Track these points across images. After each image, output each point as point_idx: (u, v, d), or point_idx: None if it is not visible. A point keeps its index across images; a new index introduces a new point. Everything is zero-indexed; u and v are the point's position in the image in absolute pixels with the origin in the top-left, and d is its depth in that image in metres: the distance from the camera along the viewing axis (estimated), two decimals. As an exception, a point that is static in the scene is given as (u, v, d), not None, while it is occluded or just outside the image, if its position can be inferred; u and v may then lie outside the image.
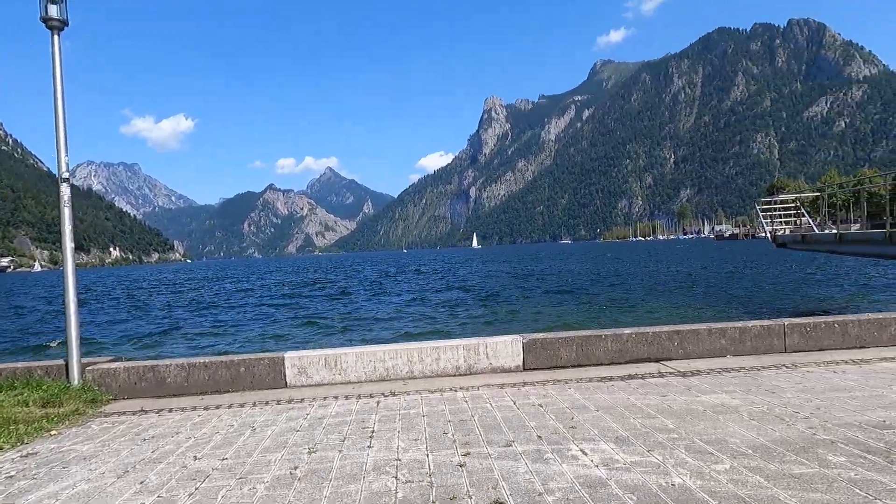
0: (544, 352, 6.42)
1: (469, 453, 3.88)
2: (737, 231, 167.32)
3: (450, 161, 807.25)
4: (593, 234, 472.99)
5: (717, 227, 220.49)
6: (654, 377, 5.82)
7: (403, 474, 3.58)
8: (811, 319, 6.83)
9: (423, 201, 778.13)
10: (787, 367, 5.99)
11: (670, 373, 5.96)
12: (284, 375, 6.19)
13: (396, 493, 3.31)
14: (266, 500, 3.31)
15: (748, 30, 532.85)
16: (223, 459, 4.02)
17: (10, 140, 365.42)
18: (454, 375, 6.28)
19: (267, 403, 5.55)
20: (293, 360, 6.23)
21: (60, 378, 6.16)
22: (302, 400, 5.61)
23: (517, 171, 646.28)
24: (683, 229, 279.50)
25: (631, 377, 5.85)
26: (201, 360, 6.27)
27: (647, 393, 5.21)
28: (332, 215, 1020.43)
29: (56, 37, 6.10)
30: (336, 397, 5.63)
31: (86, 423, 5.21)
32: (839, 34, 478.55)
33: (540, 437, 4.12)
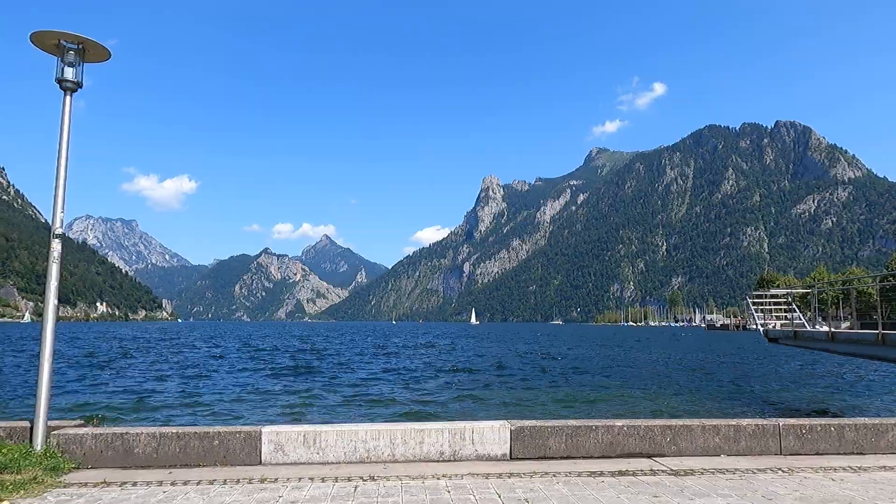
0: (533, 441, 6.18)
1: (448, 552, 3.62)
2: (727, 322, 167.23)
3: (445, 235, 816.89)
4: (585, 317, 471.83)
5: (709, 317, 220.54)
6: (645, 475, 5.58)
7: (377, 573, 3.32)
8: (807, 421, 6.66)
9: (417, 274, 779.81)
10: (783, 470, 5.77)
11: (662, 471, 5.72)
12: (260, 452, 5.90)
13: None
14: None
15: (737, 128, 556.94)
16: (184, 545, 3.74)
17: (12, 190, 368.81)
18: (438, 461, 6.01)
19: (238, 482, 5.25)
20: (270, 435, 5.96)
21: (24, 441, 5.84)
22: (276, 480, 5.31)
23: (511, 250, 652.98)
24: (675, 317, 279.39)
25: (622, 473, 5.61)
26: (173, 431, 5.98)
27: (639, 493, 4.97)
28: (325, 282, 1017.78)
29: (69, 97, 6.25)
30: (312, 479, 5.34)
31: (42, 493, 4.88)
32: (824, 137, 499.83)
33: (525, 537, 3.87)
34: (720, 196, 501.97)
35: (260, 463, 5.88)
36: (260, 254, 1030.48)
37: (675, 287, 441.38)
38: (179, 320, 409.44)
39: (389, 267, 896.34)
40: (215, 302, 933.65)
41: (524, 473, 5.56)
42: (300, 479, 5.34)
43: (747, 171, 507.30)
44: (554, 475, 5.52)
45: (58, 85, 6.21)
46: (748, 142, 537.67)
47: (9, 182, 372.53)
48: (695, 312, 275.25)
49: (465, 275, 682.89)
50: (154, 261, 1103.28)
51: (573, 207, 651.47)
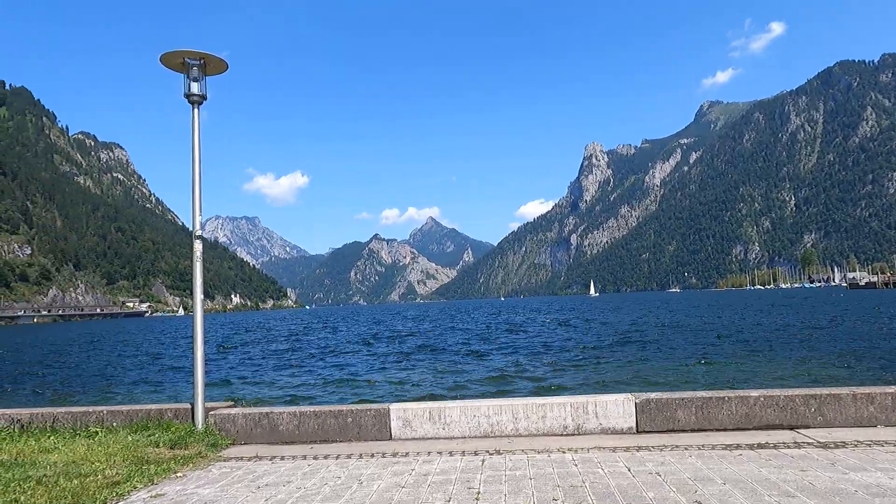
0: (659, 413, 5.99)
1: (582, 525, 3.63)
2: (874, 279, 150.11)
3: (550, 208, 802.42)
4: (705, 283, 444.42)
5: (851, 275, 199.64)
6: (788, 447, 5.22)
7: (512, 543, 3.40)
8: (984, 387, 5.87)
9: (523, 249, 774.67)
10: (956, 442, 5.14)
11: (808, 443, 5.32)
12: (389, 427, 6.22)
13: (505, 564, 3.14)
14: (373, 560, 3.26)
15: (875, 61, 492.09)
16: (331, 513, 4.05)
17: (154, 198, 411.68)
18: (561, 435, 6.00)
19: (373, 456, 5.58)
20: (398, 412, 6.26)
21: (187, 421, 6.60)
22: (406, 454, 5.58)
23: (620, 218, 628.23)
24: (809, 277, 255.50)
25: (761, 446, 5.28)
26: (311, 409, 6.47)
27: (782, 466, 4.66)
28: (433, 263, 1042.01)
29: (196, 110, 6.83)
30: (440, 452, 5.55)
31: (207, 466, 5.50)
32: None
33: (660, 511, 3.79)
34: (857, 140, 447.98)
35: (390, 438, 6.20)
36: (371, 240, 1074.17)
37: (808, 245, 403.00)
38: (307, 307, 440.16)
39: (495, 244, 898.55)
40: (333, 288, 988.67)
41: (653, 447, 5.41)
42: (429, 452, 5.57)
43: (890, 109, 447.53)
44: (685, 448, 5.32)
45: (186, 99, 6.81)
46: (890, 75, 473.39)
47: (150, 191, 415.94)
48: (833, 271, 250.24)
49: (572, 247, 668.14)
50: (276, 253, 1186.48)
51: (685, 168, 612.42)
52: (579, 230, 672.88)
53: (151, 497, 4.61)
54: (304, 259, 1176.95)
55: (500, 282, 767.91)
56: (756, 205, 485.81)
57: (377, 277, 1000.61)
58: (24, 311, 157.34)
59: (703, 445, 5.38)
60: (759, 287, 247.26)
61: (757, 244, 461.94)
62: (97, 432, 6.56)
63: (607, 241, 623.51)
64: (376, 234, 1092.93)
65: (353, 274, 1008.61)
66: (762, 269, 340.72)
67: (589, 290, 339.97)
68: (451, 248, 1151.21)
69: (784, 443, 5.35)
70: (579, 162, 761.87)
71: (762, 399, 5.90)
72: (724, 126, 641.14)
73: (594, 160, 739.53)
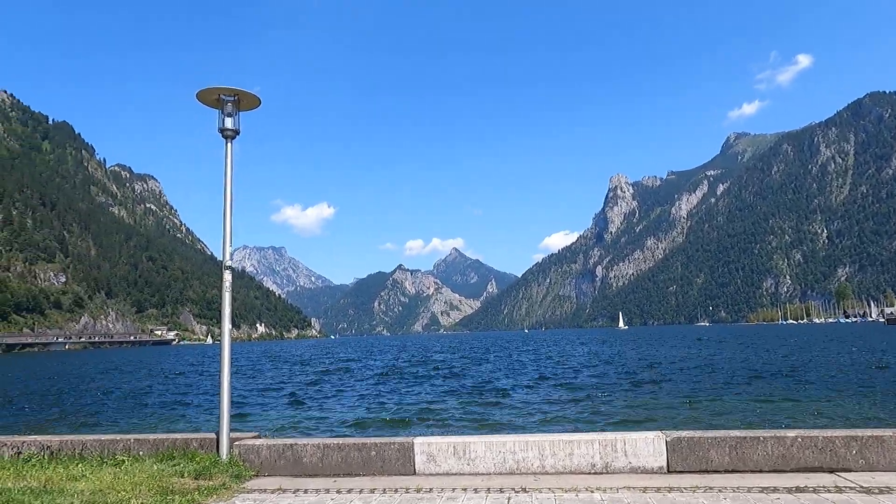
0: (692, 453, 5.80)
1: (612, 569, 3.50)
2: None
3: (574, 240, 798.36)
4: (735, 317, 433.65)
5: (888, 310, 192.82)
6: (829, 492, 4.99)
7: (540, 587, 3.29)
8: None
9: (547, 281, 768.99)
10: None
11: (850, 487, 5.09)
12: (413, 462, 6.14)
13: None
14: None
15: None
16: (355, 550, 3.98)
17: (184, 228, 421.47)
18: (589, 473, 5.84)
19: (396, 491, 5.50)
20: (423, 446, 6.18)
21: (211, 451, 6.60)
22: (430, 490, 5.49)
23: (646, 250, 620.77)
24: (844, 311, 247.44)
25: (799, 490, 5.07)
26: (335, 442, 6.42)
27: (824, 512, 4.45)
28: (456, 294, 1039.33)
29: (229, 144, 7.03)
30: (465, 489, 5.44)
31: (231, 498, 5.47)
32: None
33: (695, 556, 3.63)
34: (891, 171, 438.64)
35: (414, 473, 6.11)
36: (395, 270, 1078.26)
37: (842, 278, 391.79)
38: (332, 337, 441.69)
39: (519, 275, 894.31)
40: (357, 318, 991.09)
41: (685, 488, 5.23)
42: (453, 489, 5.47)
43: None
44: (720, 490, 5.13)
45: (220, 134, 7.02)
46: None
47: (181, 221, 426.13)
48: (869, 305, 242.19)
49: (597, 279, 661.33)
50: (301, 283, 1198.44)
51: (712, 199, 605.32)
52: (605, 262, 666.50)
53: (175, 528, 4.59)
54: (328, 289, 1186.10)
55: (524, 313, 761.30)
56: (787, 237, 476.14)
57: (401, 308, 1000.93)
58: (57, 338, 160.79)
59: (737, 488, 5.18)
60: (791, 322, 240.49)
61: (788, 277, 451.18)
62: (124, 461, 6.60)
63: (633, 274, 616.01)
64: (400, 265, 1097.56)
65: (376, 304, 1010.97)
66: (794, 302, 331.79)
67: (617, 322, 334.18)
68: (475, 280, 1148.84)
69: (824, 486, 5.13)
70: (604, 193, 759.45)
71: (800, 440, 5.69)
72: (751, 157, 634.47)
73: (619, 192, 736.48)
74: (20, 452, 7.06)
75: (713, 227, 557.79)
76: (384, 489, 5.56)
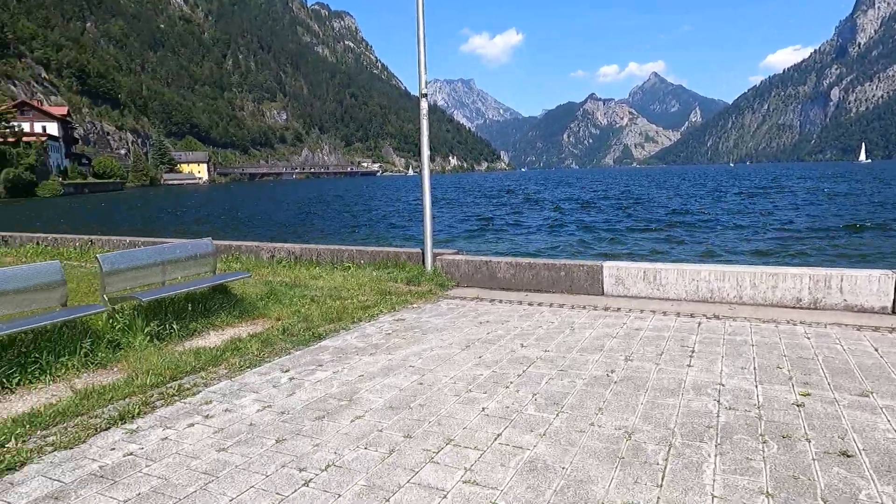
0: (927, 295, 5.11)
1: (809, 394, 3.44)
2: None
3: (806, 57, 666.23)
4: None
5: None
6: None
7: (727, 400, 3.40)
8: None
9: (765, 107, 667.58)
10: None
11: None
12: (602, 283, 6.34)
13: (718, 416, 3.18)
14: (584, 394, 3.55)
15: None
16: (545, 351, 4.42)
17: (380, 65, 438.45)
18: (793, 308, 5.52)
19: (584, 307, 5.81)
20: (611, 269, 6.32)
21: (418, 263, 7.52)
22: (618, 309, 5.70)
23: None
24: None
25: None
26: (527, 261, 6.85)
27: None
28: (653, 125, 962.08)
29: (419, -32, 6.89)
30: (654, 311, 5.55)
31: (437, 301, 6.29)
32: None
33: (911, 394, 3.39)
34: None
35: (602, 293, 6.34)
36: (586, 100, 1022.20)
37: None
38: (523, 169, 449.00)
39: (730, 102, 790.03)
40: (545, 151, 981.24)
41: (912, 330, 4.71)
42: (642, 310, 5.61)
43: None
44: (958, 336, 4.53)
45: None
46: None
47: (376, 58, 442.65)
48: None
49: (831, 103, 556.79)
50: (490, 116, 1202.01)
51: None
52: (844, 82, 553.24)
53: (395, 321, 5.49)
54: (516, 121, 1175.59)
55: (731, 145, 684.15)
56: None
57: (591, 140, 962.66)
58: (285, 169, 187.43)
59: (984, 335, 4.52)
60: None
61: None
62: (349, 266, 7.89)
63: (883, 95, 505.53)
64: (592, 94, 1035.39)
65: (565, 136, 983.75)
66: None
67: (856, 155, 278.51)
68: (676, 108, 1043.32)
69: None
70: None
71: None
72: None
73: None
74: (274, 255, 8.79)
75: None
76: (572, 305, 5.91)
